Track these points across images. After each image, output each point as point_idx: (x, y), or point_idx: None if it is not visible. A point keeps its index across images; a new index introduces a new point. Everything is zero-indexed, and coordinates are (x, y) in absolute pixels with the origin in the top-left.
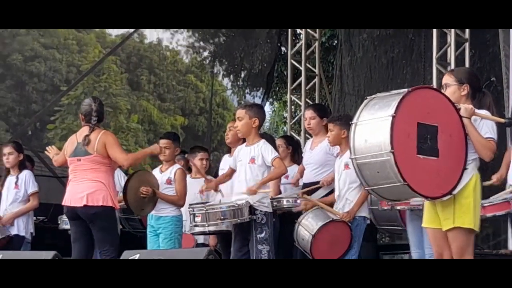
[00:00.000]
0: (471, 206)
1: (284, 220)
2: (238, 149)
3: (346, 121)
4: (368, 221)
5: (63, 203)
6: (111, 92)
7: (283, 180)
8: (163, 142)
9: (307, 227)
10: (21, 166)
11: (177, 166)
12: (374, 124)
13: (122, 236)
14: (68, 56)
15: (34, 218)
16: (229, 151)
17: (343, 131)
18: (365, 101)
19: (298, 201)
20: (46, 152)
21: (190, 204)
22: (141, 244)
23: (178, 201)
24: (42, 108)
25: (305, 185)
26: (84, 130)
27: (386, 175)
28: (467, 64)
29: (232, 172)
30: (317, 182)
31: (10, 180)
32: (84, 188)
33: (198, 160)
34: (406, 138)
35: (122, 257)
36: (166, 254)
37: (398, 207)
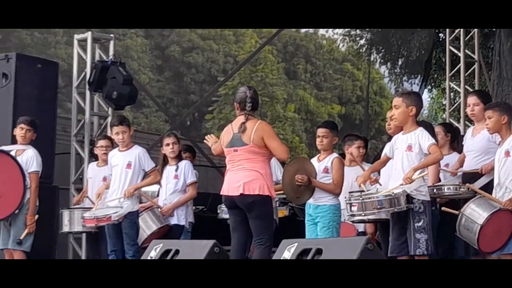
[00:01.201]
0: None
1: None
2: (395, 137)
3: (505, 107)
4: None
5: (221, 193)
6: (267, 81)
7: (442, 167)
8: (320, 131)
9: (473, 217)
10: (180, 157)
11: (334, 155)
12: None
13: (298, 226)
14: (225, 47)
15: (194, 207)
16: (390, 140)
17: (503, 117)
18: None
19: (461, 189)
20: (205, 141)
21: (350, 192)
22: (301, 233)
23: (334, 190)
24: (200, 99)
25: (465, 173)
26: (240, 119)
27: None
28: None
29: (387, 160)
30: None
31: (169, 170)
32: (241, 178)
33: (355, 148)
34: None
35: (280, 246)
36: (324, 243)
37: None
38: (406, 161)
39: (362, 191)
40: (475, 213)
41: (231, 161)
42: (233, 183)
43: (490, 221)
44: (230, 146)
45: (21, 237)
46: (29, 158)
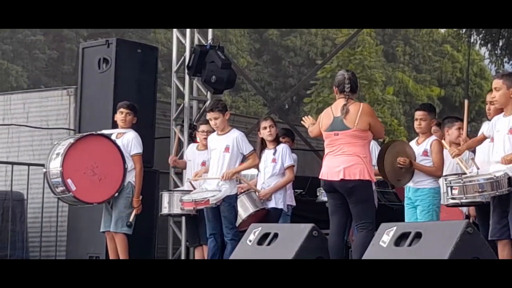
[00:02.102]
0: None
1: None
2: (495, 118)
3: None
4: None
5: (320, 177)
6: (366, 64)
7: None
8: (418, 113)
9: None
10: (277, 140)
11: (433, 138)
12: None
13: (378, 209)
14: (323, 30)
15: (293, 191)
16: None
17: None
18: None
19: None
20: (302, 121)
21: (444, 176)
22: (397, 217)
23: (435, 172)
24: (298, 82)
25: None
26: (340, 102)
27: None
28: None
29: (483, 138)
30: None
31: (268, 153)
32: (341, 162)
33: (455, 129)
34: None
35: (379, 230)
36: (423, 226)
37: None
38: (508, 144)
39: (460, 174)
40: None
41: (330, 144)
42: (333, 168)
43: None
44: (330, 130)
45: (130, 219)
46: (130, 141)
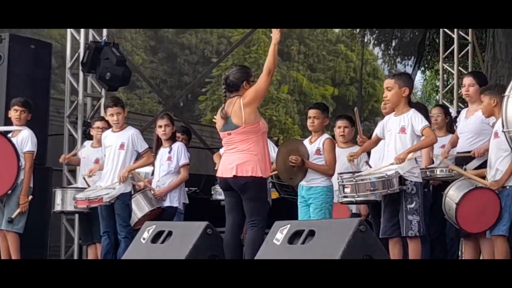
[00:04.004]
0: None
1: (437, 190)
2: (386, 118)
3: (496, 91)
4: None
5: (216, 175)
6: (261, 63)
7: (437, 150)
8: (312, 112)
9: (453, 196)
10: (173, 138)
11: (325, 136)
12: None
13: (277, 202)
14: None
15: (186, 189)
16: None
17: (493, 99)
18: None
19: (454, 171)
20: None
21: (339, 174)
22: (294, 214)
23: (327, 171)
24: (193, 80)
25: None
26: (227, 102)
27: None
28: None
29: (377, 140)
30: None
31: (163, 152)
32: (235, 159)
33: (337, 128)
34: None
35: (273, 228)
36: (317, 224)
37: None
38: (399, 143)
39: (353, 172)
40: (454, 193)
41: (226, 143)
42: (227, 165)
43: (466, 199)
44: (223, 130)
45: (13, 216)
46: (24, 138)
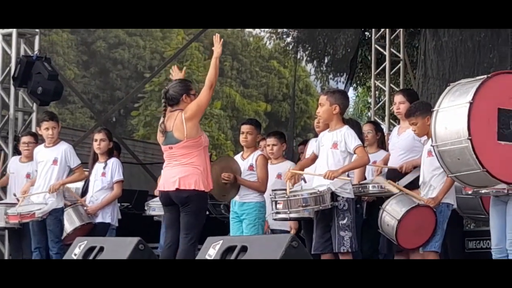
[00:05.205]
0: None
1: (371, 206)
2: (321, 134)
3: (425, 108)
4: (453, 208)
5: (157, 189)
6: (194, 78)
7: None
8: (245, 127)
9: (392, 212)
10: (109, 154)
11: (258, 153)
12: (453, 111)
13: (208, 222)
14: (152, 43)
15: (118, 204)
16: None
17: (426, 118)
18: (448, 88)
19: (386, 187)
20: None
21: (273, 190)
22: (227, 230)
23: (260, 187)
24: (126, 95)
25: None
26: (167, 116)
27: (466, 162)
28: None
29: (315, 157)
30: None
31: (98, 167)
32: (177, 173)
33: (266, 146)
34: (486, 124)
35: (205, 244)
36: (249, 240)
37: (483, 191)
38: (331, 158)
39: (285, 189)
40: (395, 209)
41: (167, 157)
42: (169, 178)
43: (408, 216)
44: (165, 144)
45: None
46: None
